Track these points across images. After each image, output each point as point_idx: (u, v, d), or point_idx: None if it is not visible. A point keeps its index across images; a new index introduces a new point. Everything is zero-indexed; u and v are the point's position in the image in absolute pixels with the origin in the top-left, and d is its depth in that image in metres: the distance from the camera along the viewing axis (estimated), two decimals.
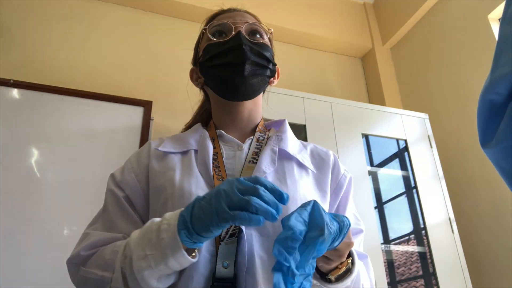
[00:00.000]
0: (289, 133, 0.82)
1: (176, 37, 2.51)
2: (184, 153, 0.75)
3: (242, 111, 0.80)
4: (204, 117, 0.90)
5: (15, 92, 1.93)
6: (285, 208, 0.63)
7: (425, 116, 2.32)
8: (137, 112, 2.11)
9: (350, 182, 0.81)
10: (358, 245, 0.76)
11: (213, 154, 0.73)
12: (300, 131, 1.92)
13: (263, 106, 0.88)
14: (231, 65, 0.74)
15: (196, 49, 0.87)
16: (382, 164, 2.23)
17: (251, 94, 0.78)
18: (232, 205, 0.50)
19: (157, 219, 0.58)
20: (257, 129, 0.81)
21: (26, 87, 1.95)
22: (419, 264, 1.99)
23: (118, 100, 2.10)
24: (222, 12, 0.85)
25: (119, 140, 2.01)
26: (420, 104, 2.67)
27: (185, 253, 0.53)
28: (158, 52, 2.41)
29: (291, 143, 0.79)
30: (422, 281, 1.97)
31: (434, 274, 1.87)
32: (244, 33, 0.77)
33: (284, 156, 0.75)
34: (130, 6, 2.47)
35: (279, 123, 0.86)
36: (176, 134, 0.83)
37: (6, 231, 1.65)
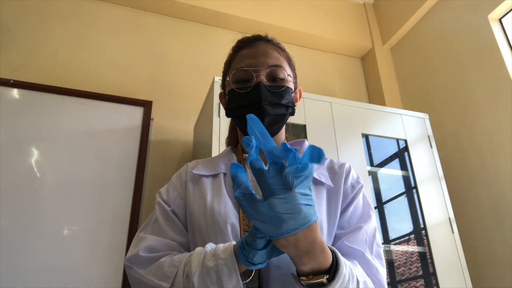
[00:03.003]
0: None
1: (176, 37, 2.51)
2: (215, 176, 0.84)
3: None
4: (233, 141, 0.98)
5: (15, 92, 1.93)
6: None
7: (425, 116, 2.32)
8: (137, 112, 2.11)
9: (358, 191, 0.83)
10: (361, 241, 0.75)
11: None
12: (300, 131, 1.92)
13: None
14: None
15: (224, 76, 0.91)
16: (382, 164, 2.23)
17: (274, 134, 0.86)
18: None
19: (210, 249, 0.66)
20: None
21: (26, 87, 1.95)
22: (419, 264, 1.98)
23: (118, 100, 2.10)
24: (246, 44, 0.88)
25: (119, 140, 2.01)
26: (420, 104, 2.67)
27: (240, 279, 0.61)
28: (158, 52, 2.41)
29: None
30: (422, 281, 1.96)
31: (434, 274, 1.87)
32: (265, 80, 0.82)
33: None
34: (130, 6, 2.47)
35: (299, 143, 0.92)
36: (210, 157, 0.93)
37: (6, 231, 1.65)
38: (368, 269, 0.71)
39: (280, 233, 0.52)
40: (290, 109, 0.85)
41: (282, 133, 0.91)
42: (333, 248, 0.64)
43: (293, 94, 0.87)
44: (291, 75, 0.87)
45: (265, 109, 0.80)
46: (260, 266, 0.60)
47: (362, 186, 0.84)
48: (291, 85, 0.86)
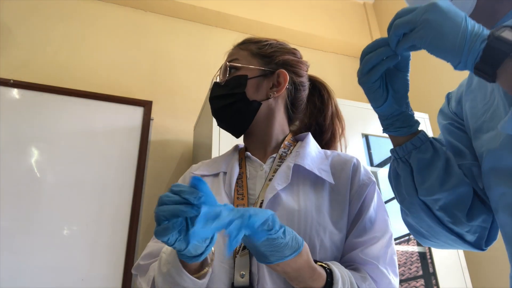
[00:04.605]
0: (309, 147, 0.84)
1: (176, 37, 2.51)
2: (215, 175, 0.85)
3: (255, 136, 0.88)
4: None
5: (15, 92, 1.93)
6: (298, 223, 0.70)
7: (425, 116, 2.32)
8: (137, 112, 2.11)
9: (372, 189, 0.79)
10: (376, 253, 0.73)
11: (239, 175, 0.82)
12: None
13: None
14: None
15: None
16: (382, 164, 2.23)
17: (242, 127, 0.87)
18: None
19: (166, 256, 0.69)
20: (282, 145, 0.86)
21: (26, 87, 1.95)
22: (419, 264, 1.98)
23: (118, 100, 2.10)
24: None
25: (119, 140, 2.01)
26: (420, 104, 2.67)
27: (190, 276, 0.64)
28: (158, 52, 2.41)
29: (310, 157, 0.80)
30: (422, 281, 1.97)
31: (434, 274, 1.87)
32: (220, 78, 0.88)
33: (300, 172, 0.78)
34: (130, 6, 2.47)
35: (304, 136, 0.90)
36: (215, 157, 0.95)
37: (6, 231, 1.65)
38: (381, 281, 0.71)
39: (267, 262, 0.56)
40: (239, 95, 0.83)
41: (274, 126, 0.88)
42: (330, 265, 0.65)
43: (253, 80, 0.84)
44: (243, 63, 0.86)
45: (212, 103, 0.87)
46: (208, 251, 0.60)
47: (374, 184, 0.79)
48: (247, 72, 0.85)
